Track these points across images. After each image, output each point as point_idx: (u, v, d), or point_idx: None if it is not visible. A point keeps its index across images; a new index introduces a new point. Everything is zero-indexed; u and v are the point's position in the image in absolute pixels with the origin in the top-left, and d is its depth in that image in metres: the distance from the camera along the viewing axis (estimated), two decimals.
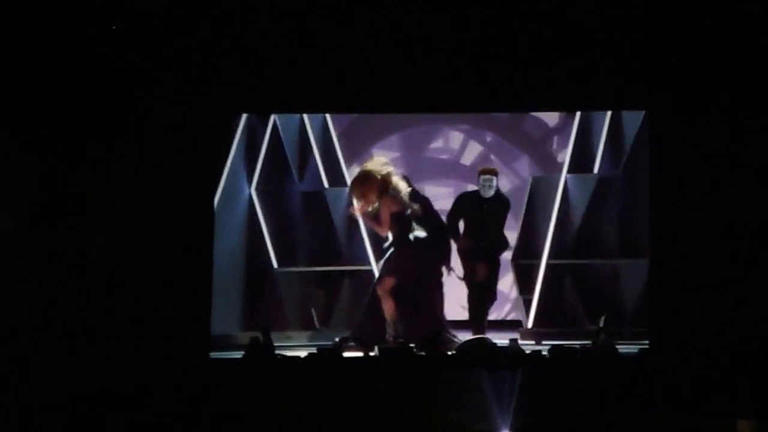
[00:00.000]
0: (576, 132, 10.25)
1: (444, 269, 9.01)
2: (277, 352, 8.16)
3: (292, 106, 9.26)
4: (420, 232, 8.79)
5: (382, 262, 9.06)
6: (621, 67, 8.19)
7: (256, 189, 10.22)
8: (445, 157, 11.57)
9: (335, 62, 8.31)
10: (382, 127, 11.38)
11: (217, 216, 8.80)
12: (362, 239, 10.13)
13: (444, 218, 9.34)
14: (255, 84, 8.40)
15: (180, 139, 8.27)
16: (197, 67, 8.33)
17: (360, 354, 8.30)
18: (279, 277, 10.20)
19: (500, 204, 9.42)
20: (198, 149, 8.33)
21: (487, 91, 8.42)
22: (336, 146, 10.66)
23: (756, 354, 7.53)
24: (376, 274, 9.59)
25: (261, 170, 10.24)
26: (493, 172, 9.51)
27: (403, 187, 8.84)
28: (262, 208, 10.21)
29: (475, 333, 8.91)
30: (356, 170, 9.50)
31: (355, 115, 11.00)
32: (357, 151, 11.11)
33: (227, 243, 9.54)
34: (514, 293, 10.58)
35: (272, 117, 10.23)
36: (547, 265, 9.91)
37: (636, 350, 8.13)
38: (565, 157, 10.30)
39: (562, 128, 10.85)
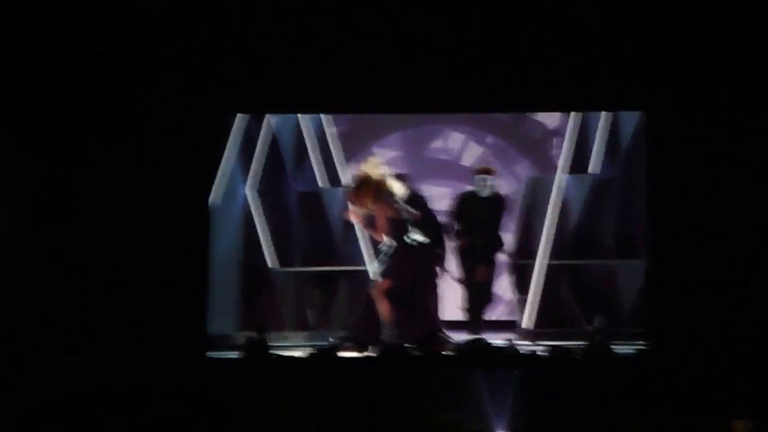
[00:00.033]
0: (573, 132, 10.25)
1: (440, 271, 9.01)
2: (273, 352, 8.16)
3: (289, 106, 9.25)
4: (417, 236, 8.77)
5: (377, 263, 9.04)
6: (618, 68, 8.20)
7: (253, 189, 10.20)
8: (444, 157, 11.57)
9: (331, 62, 8.31)
10: (380, 126, 11.38)
11: (213, 216, 8.80)
12: (358, 239, 10.12)
13: (441, 218, 9.34)
14: (251, 84, 8.41)
15: (177, 139, 8.27)
16: (194, 68, 8.33)
17: (356, 354, 8.30)
18: (275, 277, 10.18)
19: (497, 204, 9.42)
20: (195, 149, 8.33)
21: (483, 92, 8.42)
22: (332, 146, 10.64)
23: (753, 354, 7.54)
24: (371, 275, 9.59)
25: (257, 170, 10.23)
26: (489, 171, 9.51)
27: (399, 191, 8.81)
28: (258, 208, 10.19)
29: (471, 333, 8.91)
30: (353, 170, 9.48)
31: (352, 115, 11.00)
32: (354, 150, 11.10)
33: (224, 243, 9.53)
34: (510, 293, 10.58)
35: (269, 117, 10.22)
36: (544, 266, 9.90)
37: (633, 350, 8.13)
38: (564, 158, 10.29)
39: (561, 130, 10.84)
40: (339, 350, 8.28)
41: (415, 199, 9.07)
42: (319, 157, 10.56)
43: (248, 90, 8.47)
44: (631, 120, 9.80)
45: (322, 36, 8.26)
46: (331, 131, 10.63)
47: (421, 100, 8.56)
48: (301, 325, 10.01)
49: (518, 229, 10.28)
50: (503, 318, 10.60)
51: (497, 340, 8.84)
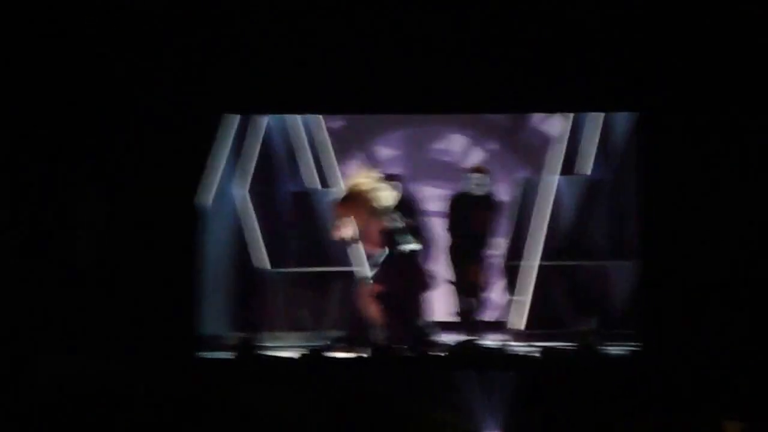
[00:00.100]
0: (566, 134, 10.26)
1: (433, 274, 9.00)
2: (264, 352, 8.16)
3: (282, 106, 9.25)
4: (410, 245, 8.73)
5: (368, 268, 9.03)
6: (611, 70, 8.21)
7: (243, 189, 10.19)
8: (439, 158, 11.56)
9: (321, 63, 8.30)
10: (375, 127, 11.37)
11: (206, 216, 8.79)
12: None
13: (437, 220, 9.35)
14: (245, 85, 8.40)
15: (170, 139, 8.26)
16: (187, 68, 8.32)
17: (347, 355, 8.30)
18: (266, 278, 10.17)
19: (490, 204, 9.42)
20: (188, 150, 8.33)
21: (474, 93, 8.42)
22: (326, 147, 10.63)
23: (744, 355, 7.56)
24: (359, 277, 9.60)
25: (247, 171, 10.22)
26: (482, 171, 9.51)
27: (389, 201, 8.76)
28: (248, 209, 10.18)
29: (463, 334, 8.91)
30: (344, 171, 9.49)
31: (346, 115, 11.00)
32: (348, 151, 11.10)
33: (215, 243, 9.52)
34: (503, 294, 10.58)
35: (262, 117, 10.21)
36: (536, 267, 9.90)
37: (624, 351, 8.14)
38: (555, 159, 10.30)
39: (558, 132, 10.84)
40: (330, 351, 8.28)
41: (407, 205, 9.07)
42: (309, 158, 10.56)
43: (237, 90, 8.46)
44: (622, 121, 9.81)
45: (312, 36, 8.26)
46: (321, 131, 10.63)
47: (414, 100, 8.55)
48: (292, 326, 10.00)
49: (511, 230, 10.28)
50: (495, 319, 10.60)
51: (489, 341, 8.86)
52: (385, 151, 11.37)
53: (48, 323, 7.99)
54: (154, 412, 7.43)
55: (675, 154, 8.11)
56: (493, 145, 11.41)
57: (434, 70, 8.29)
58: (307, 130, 10.59)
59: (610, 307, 9.81)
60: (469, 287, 9.37)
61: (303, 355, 7.98)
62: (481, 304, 9.56)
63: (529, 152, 11.32)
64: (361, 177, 8.76)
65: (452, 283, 9.43)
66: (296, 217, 10.40)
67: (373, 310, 8.62)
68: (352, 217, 8.64)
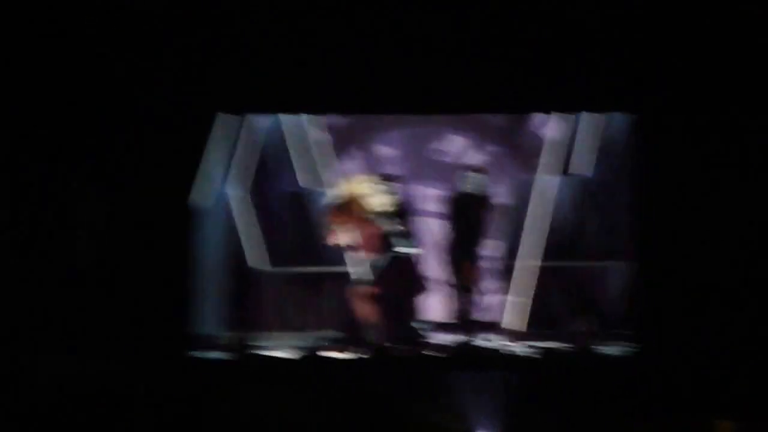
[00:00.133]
0: (563, 134, 10.26)
1: (431, 277, 8.97)
2: (258, 352, 8.14)
3: (271, 106, 9.22)
4: (405, 248, 8.71)
5: (363, 271, 9.00)
6: (609, 70, 8.21)
7: (236, 189, 10.18)
8: (437, 158, 11.54)
9: (317, 62, 8.29)
10: (372, 126, 11.36)
11: (199, 216, 8.76)
12: None
13: (435, 220, 9.34)
14: (241, 84, 8.38)
15: (163, 139, 8.25)
16: (183, 68, 8.31)
17: (342, 355, 8.27)
18: (260, 278, 10.17)
19: (489, 204, 9.42)
20: (181, 149, 8.32)
21: (474, 93, 8.41)
22: (319, 147, 10.62)
23: (739, 355, 7.55)
24: (353, 278, 9.58)
25: (244, 171, 10.21)
26: (480, 171, 9.51)
27: (383, 206, 8.73)
28: (241, 209, 10.17)
29: (459, 335, 8.90)
30: (344, 170, 9.46)
31: (338, 115, 10.99)
32: (341, 151, 11.10)
33: (209, 243, 9.49)
34: (501, 295, 10.56)
35: (255, 117, 10.20)
36: (532, 267, 9.89)
37: (622, 352, 8.12)
38: (554, 159, 10.30)
39: (556, 133, 10.81)
40: (326, 351, 8.25)
41: (402, 208, 9.05)
42: (302, 158, 10.55)
43: (234, 90, 8.45)
44: (620, 122, 9.79)
45: (305, 36, 8.25)
46: (314, 131, 10.62)
47: (412, 100, 8.54)
48: (286, 326, 9.99)
49: (509, 230, 10.27)
50: (492, 320, 10.57)
51: (486, 341, 8.83)
52: (382, 151, 11.35)
53: (42, 323, 7.97)
54: (149, 411, 7.43)
55: (673, 154, 8.11)
56: (492, 146, 11.40)
57: (431, 70, 8.29)
58: (298, 129, 10.58)
59: (608, 307, 9.79)
60: (466, 288, 9.34)
61: (298, 355, 7.97)
62: (479, 304, 9.54)
63: (528, 153, 11.30)
64: (355, 183, 8.73)
65: (450, 283, 9.41)
66: (288, 217, 10.39)
67: (369, 312, 8.59)
68: (348, 223, 8.62)
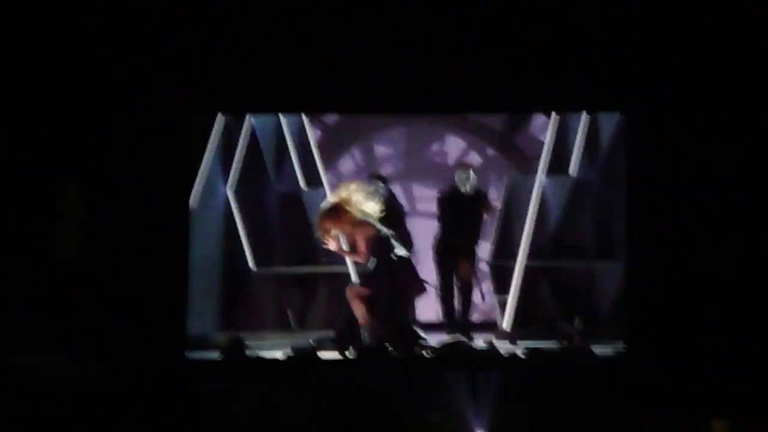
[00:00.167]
0: (552, 134, 10.28)
1: (423, 278, 8.99)
2: (253, 352, 8.15)
3: (269, 106, 9.22)
4: (400, 250, 8.73)
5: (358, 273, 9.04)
6: (598, 70, 8.20)
7: (233, 190, 10.19)
8: (431, 158, 11.56)
9: (312, 62, 8.29)
10: (363, 127, 11.37)
11: (193, 216, 8.78)
12: None
13: (427, 220, 9.34)
14: (231, 84, 8.38)
15: (156, 139, 8.23)
16: (173, 67, 8.29)
17: (337, 355, 8.30)
18: (255, 278, 10.18)
19: (478, 200, 9.43)
20: (175, 149, 8.29)
21: (462, 93, 8.41)
22: (313, 147, 10.63)
23: (731, 354, 7.58)
24: (353, 277, 9.61)
25: (238, 171, 10.22)
26: (467, 167, 9.52)
27: (374, 210, 8.77)
28: (238, 209, 10.18)
29: (451, 335, 8.91)
30: (335, 171, 9.47)
31: (334, 115, 11.00)
32: (335, 151, 11.11)
33: (203, 243, 9.52)
34: (490, 295, 10.59)
35: (249, 117, 10.20)
36: (524, 267, 9.92)
37: (611, 351, 8.15)
38: (542, 159, 10.31)
39: (544, 133, 10.86)
40: (319, 351, 8.29)
41: (392, 210, 9.07)
42: (300, 158, 10.55)
43: (229, 90, 8.45)
44: (611, 122, 9.84)
45: (303, 35, 8.24)
46: (312, 131, 10.63)
47: (405, 101, 8.55)
48: (282, 326, 10.01)
49: (498, 230, 10.29)
50: (482, 319, 10.61)
51: (476, 341, 8.87)
52: (375, 151, 11.36)
53: (37, 323, 7.96)
54: (142, 412, 7.43)
55: (662, 154, 8.11)
56: (482, 146, 11.41)
57: (422, 70, 8.28)
58: (296, 129, 10.59)
59: (597, 307, 9.83)
60: (456, 287, 9.36)
61: (290, 355, 7.99)
62: (468, 304, 9.55)
63: (517, 153, 11.33)
64: (343, 190, 8.75)
65: (440, 283, 9.42)
66: (285, 218, 10.40)
67: (363, 313, 8.62)
68: (340, 228, 8.65)
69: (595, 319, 9.55)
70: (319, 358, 8.09)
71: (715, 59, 8.07)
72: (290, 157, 10.52)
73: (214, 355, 8.18)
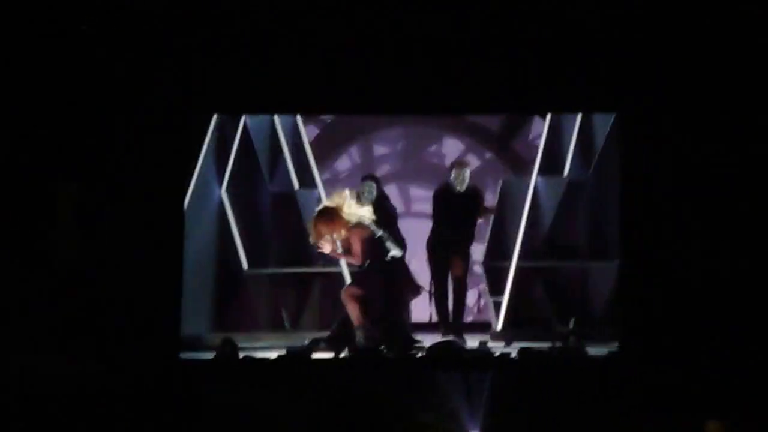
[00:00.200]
0: (546, 134, 10.28)
1: (417, 279, 9.00)
2: (247, 353, 8.15)
3: (263, 106, 9.23)
4: (395, 251, 8.74)
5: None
6: (592, 70, 8.21)
7: (227, 190, 10.18)
8: (427, 159, 11.56)
9: (308, 62, 8.30)
10: (360, 126, 11.37)
11: (187, 217, 8.76)
12: None
13: (422, 221, 9.34)
14: (226, 84, 8.38)
15: (150, 139, 8.22)
16: (169, 68, 8.29)
17: (331, 356, 8.30)
18: (249, 279, 10.17)
19: (473, 197, 9.42)
20: (168, 150, 8.28)
21: (457, 93, 8.42)
22: (307, 147, 10.62)
23: (725, 355, 7.59)
24: (347, 277, 9.61)
25: (231, 171, 10.21)
26: (465, 165, 9.52)
27: (367, 211, 8.78)
28: (232, 209, 10.17)
29: (445, 335, 8.91)
30: (332, 170, 9.46)
31: (328, 115, 11.00)
32: (329, 151, 11.11)
33: (197, 244, 9.51)
34: (483, 295, 10.60)
35: (243, 117, 10.20)
36: (517, 267, 9.92)
37: (605, 352, 8.16)
38: (537, 160, 10.31)
39: (537, 133, 10.87)
40: (313, 352, 8.29)
41: (385, 211, 9.08)
42: (294, 158, 10.54)
43: (223, 90, 8.45)
44: (605, 122, 9.84)
45: (299, 36, 8.24)
46: (306, 132, 10.62)
47: (398, 101, 8.54)
48: (275, 327, 10.00)
49: (492, 230, 10.29)
50: (475, 319, 10.62)
51: (471, 341, 8.87)
52: (368, 153, 11.36)
53: (32, 324, 7.95)
54: (136, 412, 7.43)
55: (655, 154, 8.12)
56: (480, 149, 11.42)
57: (417, 71, 8.29)
58: (290, 130, 10.58)
59: (591, 307, 9.83)
60: (449, 286, 9.36)
61: (283, 356, 7.98)
62: (462, 304, 9.54)
63: (515, 157, 11.34)
64: (336, 195, 8.76)
65: (434, 281, 9.40)
66: (279, 218, 10.39)
67: (358, 313, 8.62)
68: (333, 230, 8.65)
69: (589, 320, 9.55)
70: (312, 359, 8.09)
71: (709, 60, 8.08)
72: (283, 158, 10.51)
73: (208, 355, 8.17)
